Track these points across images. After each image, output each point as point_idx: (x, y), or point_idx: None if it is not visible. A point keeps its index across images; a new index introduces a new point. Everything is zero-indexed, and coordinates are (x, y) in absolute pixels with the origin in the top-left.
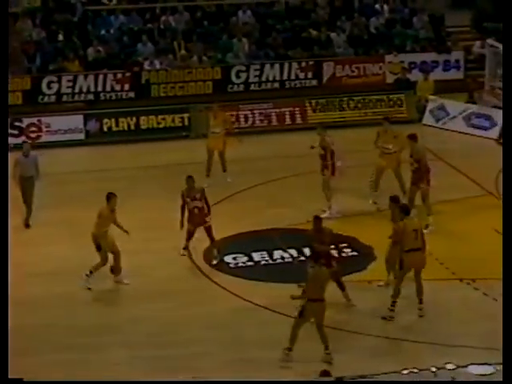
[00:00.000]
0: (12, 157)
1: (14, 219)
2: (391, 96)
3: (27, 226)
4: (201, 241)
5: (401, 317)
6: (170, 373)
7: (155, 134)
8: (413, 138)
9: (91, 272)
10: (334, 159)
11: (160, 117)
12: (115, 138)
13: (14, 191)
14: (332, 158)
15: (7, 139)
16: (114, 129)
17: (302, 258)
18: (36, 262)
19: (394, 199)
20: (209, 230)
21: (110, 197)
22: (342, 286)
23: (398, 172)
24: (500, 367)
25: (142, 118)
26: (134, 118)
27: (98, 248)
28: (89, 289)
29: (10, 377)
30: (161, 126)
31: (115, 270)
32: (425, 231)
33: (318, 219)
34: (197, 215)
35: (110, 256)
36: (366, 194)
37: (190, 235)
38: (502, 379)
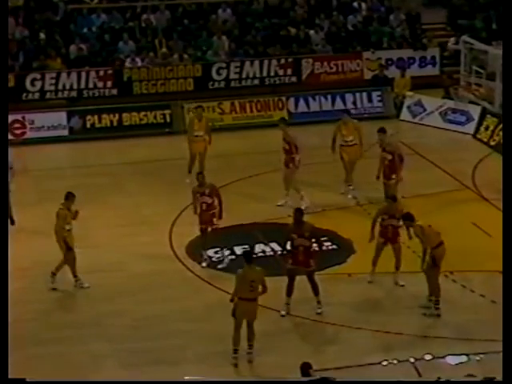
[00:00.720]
0: None
1: None
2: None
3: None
4: (184, 235)
5: (380, 309)
6: (152, 365)
7: (137, 130)
8: (382, 131)
9: (75, 276)
10: (299, 152)
11: (142, 113)
12: (98, 135)
13: None
14: (297, 152)
15: (7, 139)
16: (97, 125)
17: (284, 252)
18: (18, 257)
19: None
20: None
21: (69, 196)
22: (315, 290)
23: (354, 164)
24: (477, 357)
25: (125, 115)
26: (117, 115)
27: (69, 248)
28: (86, 287)
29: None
30: (143, 122)
31: (59, 268)
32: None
33: (298, 211)
34: (204, 212)
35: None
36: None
37: (202, 234)
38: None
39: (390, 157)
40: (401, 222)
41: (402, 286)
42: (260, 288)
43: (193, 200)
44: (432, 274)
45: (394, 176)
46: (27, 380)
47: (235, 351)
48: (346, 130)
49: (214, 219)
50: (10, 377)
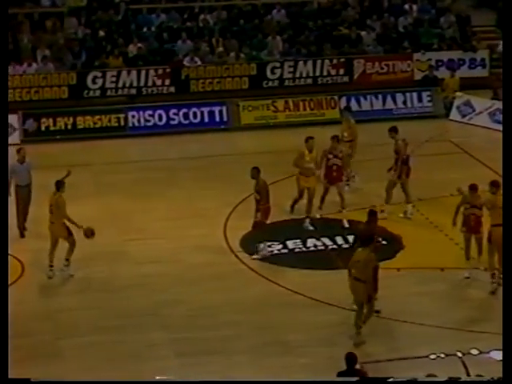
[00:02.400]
0: None
1: None
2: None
3: (24, 230)
4: (238, 228)
5: (428, 303)
6: (205, 355)
7: (192, 127)
8: (393, 130)
9: (67, 260)
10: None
11: (200, 109)
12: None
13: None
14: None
15: (7, 139)
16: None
17: (334, 247)
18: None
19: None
20: (254, 224)
21: (62, 184)
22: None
23: (349, 160)
24: None
25: (183, 111)
26: (176, 111)
27: (70, 233)
28: (71, 275)
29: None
30: (196, 120)
31: (70, 254)
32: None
33: (372, 213)
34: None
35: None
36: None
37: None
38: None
39: (395, 156)
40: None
41: (486, 269)
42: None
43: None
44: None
45: (391, 173)
46: (32, 380)
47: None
48: (343, 125)
49: (257, 213)
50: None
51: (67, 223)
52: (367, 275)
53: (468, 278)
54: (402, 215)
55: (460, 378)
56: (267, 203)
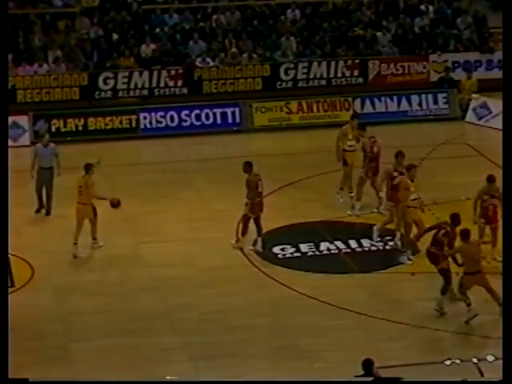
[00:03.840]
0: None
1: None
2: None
3: (48, 213)
4: (251, 231)
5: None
6: (218, 359)
7: (205, 129)
8: (362, 128)
9: (94, 238)
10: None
11: (213, 110)
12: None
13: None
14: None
15: (7, 139)
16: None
17: (348, 250)
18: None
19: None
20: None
21: (90, 167)
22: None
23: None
24: None
25: (196, 112)
26: (188, 112)
27: (95, 214)
28: (101, 246)
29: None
30: (209, 121)
31: (94, 232)
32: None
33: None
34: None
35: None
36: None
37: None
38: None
39: (363, 153)
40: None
41: (500, 261)
42: None
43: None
44: None
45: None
46: (30, 380)
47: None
48: (351, 134)
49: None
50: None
51: (94, 203)
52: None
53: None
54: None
55: None
56: (256, 198)
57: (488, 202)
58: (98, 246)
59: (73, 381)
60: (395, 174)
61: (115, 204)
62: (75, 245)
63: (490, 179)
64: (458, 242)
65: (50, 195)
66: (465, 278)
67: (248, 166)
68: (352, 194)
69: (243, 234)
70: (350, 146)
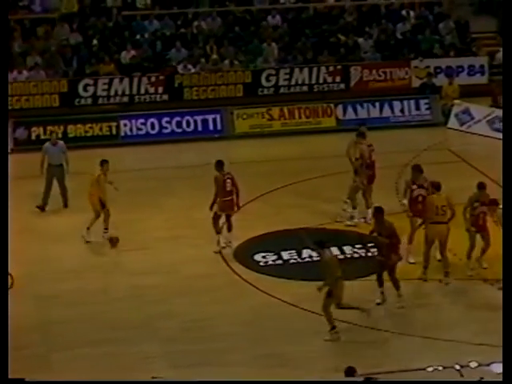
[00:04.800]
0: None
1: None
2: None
3: (66, 205)
4: (232, 239)
5: (425, 315)
6: (200, 367)
7: (186, 136)
8: (361, 135)
9: (106, 228)
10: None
11: (194, 117)
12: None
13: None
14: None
15: (7, 139)
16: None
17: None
18: (72, 259)
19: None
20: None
21: (103, 163)
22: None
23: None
24: None
25: (176, 119)
26: (169, 119)
27: (103, 206)
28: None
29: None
30: (190, 128)
31: (106, 222)
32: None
33: (378, 210)
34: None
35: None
36: (393, 194)
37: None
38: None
39: (360, 161)
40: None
41: (485, 268)
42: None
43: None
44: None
45: (355, 178)
46: (26, 380)
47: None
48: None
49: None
50: (54, 375)
51: (102, 198)
52: None
53: (471, 276)
54: (361, 220)
55: None
56: (225, 197)
57: (478, 209)
58: (109, 236)
59: (71, 381)
60: (414, 186)
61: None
62: (88, 229)
63: (481, 186)
64: None
65: (64, 188)
66: (429, 226)
67: (218, 165)
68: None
69: (218, 233)
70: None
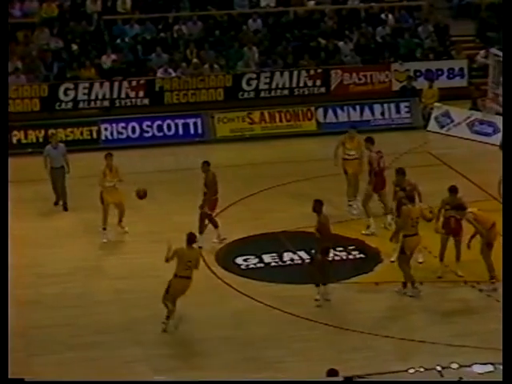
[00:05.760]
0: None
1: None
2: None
3: (66, 209)
4: (214, 242)
5: (406, 317)
6: (182, 371)
7: (166, 140)
8: (369, 141)
9: (120, 221)
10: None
11: (175, 121)
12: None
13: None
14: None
15: (7, 139)
16: None
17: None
18: (53, 262)
19: (459, 207)
20: (200, 216)
21: (107, 156)
22: None
23: (357, 178)
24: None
25: (157, 123)
26: (150, 123)
27: (102, 202)
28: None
29: (23, 377)
30: (170, 132)
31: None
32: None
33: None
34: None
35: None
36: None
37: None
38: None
39: (369, 167)
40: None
41: (461, 276)
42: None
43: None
44: (487, 255)
45: (367, 186)
46: (26, 380)
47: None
48: (350, 144)
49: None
50: (38, 379)
51: (102, 193)
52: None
53: (440, 277)
54: (382, 226)
55: None
56: (214, 195)
57: (449, 212)
58: (124, 231)
59: (70, 381)
60: (397, 189)
61: (141, 195)
62: (104, 230)
63: (452, 190)
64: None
65: (64, 192)
66: (406, 240)
67: (206, 165)
68: (351, 203)
69: (201, 233)
70: (348, 154)
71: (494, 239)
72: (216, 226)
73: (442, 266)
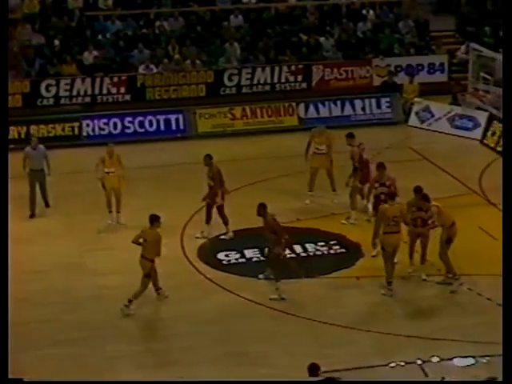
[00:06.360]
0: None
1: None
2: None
3: (47, 205)
4: (195, 238)
5: (388, 312)
6: (165, 366)
7: (148, 136)
8: (349, 136)
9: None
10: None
11: (157, 117)
12: None
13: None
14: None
15: (7, 139)
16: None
17: (293, 255)
18: (36, 259)
19: (424, 197)
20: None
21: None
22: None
23: (331, 171)
24: (483, 360)
25: (139, 119)
26: (132, 119)
27: (104, 188)
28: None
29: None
30: (152, 128)
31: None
32: (343, 221)
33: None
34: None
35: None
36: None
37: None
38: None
39: (352, 162)
40: (428, 214)
41: (424, 280)
42: None
43: None
44: (445, 253)
45: (349, 181)
46: (25, 380)
47: None
48: (319, 138)
49: (216, 198)
50: (21, 377)
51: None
52: (155, 254)
53: (409, 272)
54: (365, 219)
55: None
56: (222, 187)
57: (416, 214)
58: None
59: (68, 381)
60: (376, 185)
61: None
62: (110, 213)
63: (417, 191)
64: None
65: (45, 190)
66: (384, 237)
67: (209, 159)
68: (312, 193)
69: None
70: (318, 149)
71: (454, 235)
72: (209, 221)
73: (411, 264)
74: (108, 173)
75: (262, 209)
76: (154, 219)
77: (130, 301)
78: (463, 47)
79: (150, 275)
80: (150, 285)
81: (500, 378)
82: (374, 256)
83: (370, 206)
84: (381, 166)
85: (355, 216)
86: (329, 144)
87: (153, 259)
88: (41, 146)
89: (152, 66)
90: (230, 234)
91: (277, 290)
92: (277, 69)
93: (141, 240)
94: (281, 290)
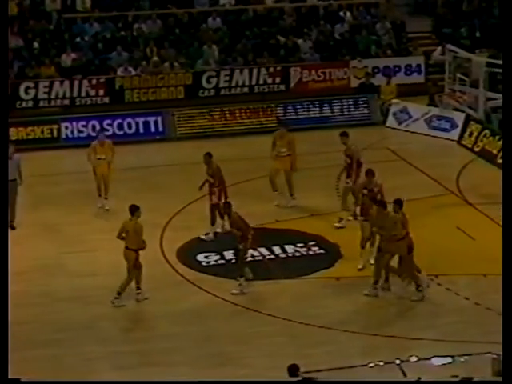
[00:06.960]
0: None
1: None
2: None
3: (12, 228)
4: (174, 239)
5: (367, 312)
6: (144, 367)
7: (127, 138)
8: (344, 134)
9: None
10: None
11: (135, 119)
12: None
13: None
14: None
15: (7, 139)
16: None
17: (272, 257)
18: (15, 260)
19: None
20: (211, 207)
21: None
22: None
23: (290, 174)
24: (461, 359)
25: (118, 121)
26: (111, 121)
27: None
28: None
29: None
30: (131, 130)
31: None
32: (337, 224)
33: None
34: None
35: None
36: (332, 193)
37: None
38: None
39: (348, 160)
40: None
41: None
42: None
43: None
44: (410, 260)
45: (348, 180)
46: (22, 380)
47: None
48: (280, 141)
49: (213, 196)
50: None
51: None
52: (137, 244)
53: (361, 269)
54: (337, 224)
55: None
56: (221, 185)
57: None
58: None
59: (67, 381)
60: (364, 191)
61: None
62: (99, 197)
63: (368, 173)
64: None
65: (13, 208)
66: (382, 243)
67: (208, 157)
68: (278, 192)
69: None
70: (279, 151)
71: (412, 244)
72: (222, 217)
73: (364, 253)
74: (99, 159)
75: (226, 207)
76: (134, 209)
77: (118, 293)
78: (439, 48)
79: (138, 266)
80: (133, 284)
81: (476, 378)
82: (360, 269)
83: (358, 209)
84: (369, 173)
85: (347, 216)
86: (290, 147)
87: (136, 249)
88: (16, 155)
89: (130, 69)
90: (211, 236)
91: (239, 286)
92: (255, 71)
93: (124, 234)
94: (243, 286)
